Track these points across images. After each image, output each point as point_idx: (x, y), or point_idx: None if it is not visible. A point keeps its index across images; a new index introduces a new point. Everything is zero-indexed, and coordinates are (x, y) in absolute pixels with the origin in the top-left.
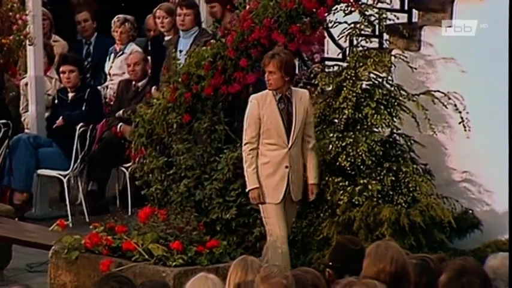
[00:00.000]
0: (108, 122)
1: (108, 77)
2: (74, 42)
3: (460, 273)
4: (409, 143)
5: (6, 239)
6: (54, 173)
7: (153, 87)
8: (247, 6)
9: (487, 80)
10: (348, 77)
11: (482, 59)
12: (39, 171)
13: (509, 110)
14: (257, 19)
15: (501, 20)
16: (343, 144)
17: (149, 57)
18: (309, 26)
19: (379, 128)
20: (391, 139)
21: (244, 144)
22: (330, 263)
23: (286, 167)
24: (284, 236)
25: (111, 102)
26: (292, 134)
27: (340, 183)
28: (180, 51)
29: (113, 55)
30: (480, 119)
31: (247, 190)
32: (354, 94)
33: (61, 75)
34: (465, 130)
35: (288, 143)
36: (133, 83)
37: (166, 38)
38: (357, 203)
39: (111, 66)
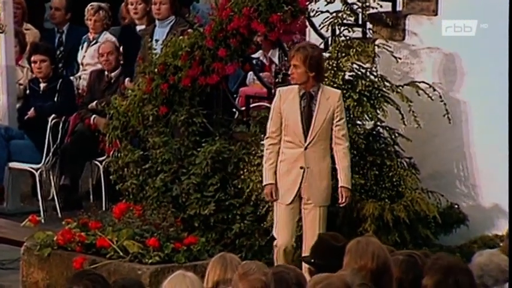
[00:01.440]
0: (80, 114)
1: (81, 66)
2: (45, 31)
3: (446, 274)
4: (393, 136)
5: None
6: (26, 166)
7: (127, 79)
8: None
9: (471, 69)
10: (330, 67)
11: (466, 48)
12: (11, 165)
13: (509, 109)
14: (236, 8)
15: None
16: None
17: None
18: (289, 15)
19: (362, 121)
20: (374, 132)
21: (266, 138)
22: (312, 260)
23: (301, 167)
24: (285, 244)
25: (84, 94)
26: (310, 133)
27: None
28: (156, 40)
29: (86, 44)
30: (466, 111)
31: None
32: (336, 85)
33: (32, 65)
34: (450, 123)
35: (305, 142)
36: (106, 73)
37: (138, 28)
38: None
39: (84, 56)
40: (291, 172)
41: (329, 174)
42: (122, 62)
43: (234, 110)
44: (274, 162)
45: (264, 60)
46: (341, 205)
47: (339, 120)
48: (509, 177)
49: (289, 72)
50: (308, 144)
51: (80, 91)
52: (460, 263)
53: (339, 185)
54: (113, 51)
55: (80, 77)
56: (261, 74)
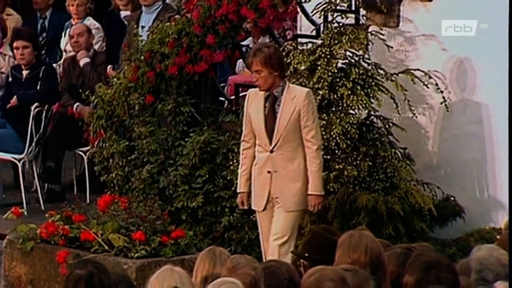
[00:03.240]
0: (61, 103)
1: (64, 53)
2: (28, 16)
3: (427, 270)
4: (387, 126)
5: None
6: (8, 156)
7: (109, 66)
8: None
9: (470, 58)
10: (323, 55)
11: (465, 37)
12: None
13: (509, 109)
14: None
15: None
16: None
17: (93, 31)
18: (280, 0)
19: (356, 110)
20: (368, 121)
21: (241, 142)
22: (306, 254)
23: (269, 172)
24: (266, 251)
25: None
26: (274, 136)
27: None
28: (142, 27)
29: (69, 30)
30: (463, 99)
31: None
32: (329, 73)
33: (15, 51)
34: (447, 111)
35: (270, 145)
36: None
37: (123, 13)
38: (331, 190)
39: (67, 43)
40: (261, 177)
41: (301, 176)
42: (95, 45)
43: (223, 99)
44: (247, 168)
45: None
46: (313, 212)
47: (306, 121)
48: (509, 174)
49: (256, 79)
50: (273, 148)
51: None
52: (442, 259)
53: (308, 193)
54: (83, 33)
55: (62, 65)
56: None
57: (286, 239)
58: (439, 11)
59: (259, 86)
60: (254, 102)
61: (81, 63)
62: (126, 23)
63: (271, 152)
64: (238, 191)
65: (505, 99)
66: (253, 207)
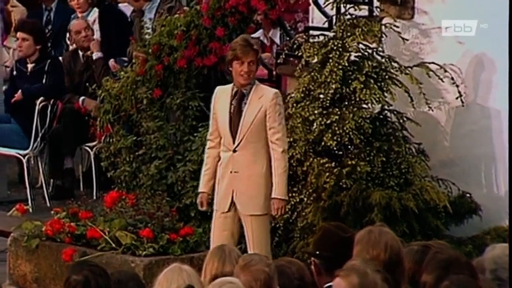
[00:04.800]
0: (64, 101)
1: (70, 47)
2: (33, 8)
3: (445, 268)
4: (401, 120)
5: None
6: (12, 152)
7: (111, 60)
8: None
9: (486, 51)
10: (335, 48)
11: (481, 28)
12: None
13: (509, 109)
14: None
15: None
16: (328, 121)
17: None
18: None
19: (369, 104)
20: (381, 116)
21: (207, 141)
22: (317, 252)
23: (231, 172)
24: None
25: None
26: (238, 135)
27: (326, 165)
28: (150, 19)
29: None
30: (480, 93)
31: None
32: (341, 67)
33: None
34: (463, 106)
35: (233, 144)
36: (81, 53)
37: (120, 6)
38: (344, 186)
39: None
40: (224, 177)
41: (263, 179)
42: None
43: None
44: (210, 168)
45: (265, 41)
46: (275, 217)
47: (272, 122)
48: (509, 173)
49: (244, 71)
50: (236, 147)
51: None
52: (460, 257)
53: (271, 196)
54: (88, 28)
55: (62, 61)
56: (261, 54)
57: (263, 246)
58: (455, 2)
59: (247, 79)
60: (221, 99)
61: (94, 56)
62: (125, 15)
63: (234, 151)
64: (199, 190)
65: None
66: (215, 208)
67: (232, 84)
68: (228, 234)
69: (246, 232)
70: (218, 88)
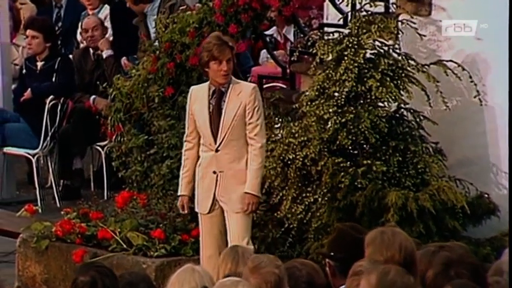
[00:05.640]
0: (74, 100)
1: (80, 44)
2: (42, 5)
3: (447, 266)
4: (418, 119)
5: None
6: (21, 151)
7: (123, 58)
8: None
9: (505, 48)
10: (350, 45)
11: (500, 25)
12: (5, 150)
13: (509, 109)
14: None
15: None
16: (343, 120)
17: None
18: None
19: (385, 102)
20: (397, 115)
21: (184, 142)
22: (332, 254)
23: (214, 172)
24: (208, 256)
25: None
26: (219, 134)
27: (341, 164)
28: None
29: (81, 22)
30: (497, 92)
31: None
32: (356, 64)
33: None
34: (481, 105)
35: (215, 144)
36: (92, 51)
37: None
38: (359, 186)
39: None
40: (205, 178)
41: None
42: (111, 39)
43: None
44: (189, 170)
45: (278, 38)
46: (246, 213)
47: (251, 118)
48: (509, 173)
49: (224, 70)
50: (218, 146)
51: None
52: (466, 257)
53: (243, 191)
54: (98, 27)
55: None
56: (274, 52)
57: (245, 243)
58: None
59: (226, 78)
60: (198, 99)
61: (104, 55)
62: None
63: (216, 151)
64: (178, 193)
65: None
66: (196, 210)
67: (208, 83)
68: (217, 233)
69: (229, 230)
70: (193, 88)
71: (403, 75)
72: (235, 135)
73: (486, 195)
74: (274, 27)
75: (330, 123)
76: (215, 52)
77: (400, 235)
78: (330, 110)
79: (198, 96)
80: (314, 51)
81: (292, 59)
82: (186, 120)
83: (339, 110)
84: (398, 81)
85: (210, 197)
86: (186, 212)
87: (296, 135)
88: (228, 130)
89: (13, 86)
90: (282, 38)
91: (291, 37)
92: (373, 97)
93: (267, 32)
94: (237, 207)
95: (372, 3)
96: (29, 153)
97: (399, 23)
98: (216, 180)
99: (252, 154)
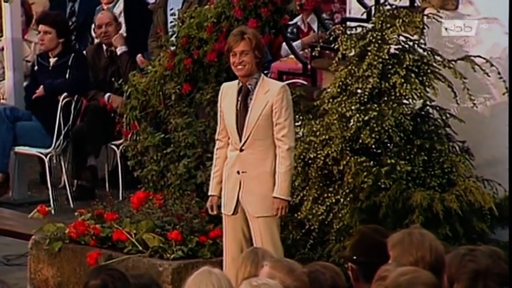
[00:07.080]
0: (88, 98)
1: (95, 40)
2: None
3: (474, 279)
4: (444, 117)
5: None
6: (33, 151)
7: (139, 55)
8: None
9: None
10: (373, 40)
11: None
12: (17, 149)
13: (509, 110)
14: None
15: None
16: (366, 118)
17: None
18: None
19: (409, 100)
20: (423, 112)
21: (216, 141)
22: (354, 257)
23: (238, 172)
24: (231, 258)
25: None
26: (244, 133)
27: (364, 164)
28: (172, 14)
29: (95, 18)
30: None
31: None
32: (380, 60)
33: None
34: (510, 102)
35: (240, 143)
36: (105, 47)
37: None
38: (383, 186)
39: None
40: (230, 178)
41: (272, 179)
42: (124, 34)
43: None
44: (220, 169)
45: (302, 26)
46: (276, 217)
47: (278, 118)
48: (509, 173)
49: (236, 62)
50: (243, 145)
51: None
52: (493, 267)
53: (272, 195)
54: (112, 22)
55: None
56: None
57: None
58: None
59: (241, 70)
60: (228, 96)
61: (118, 51)
62: (149, 7)
63: (241, 150)
64: (209, 194)
65: None
66: (222, 211)
67: (238, 79)
68: (241, 236)
69: (253, 235)
70: (224, 85)
71: (428, 71)
72: (261, 135)
73: None
74: (300, 16)
75: (352, 121)
76: (231, 42)
77: (428, 235)
78: (353, 108)
79: (227, 93)
80: (336, 46)
81: (313, 54)
82: (218, 119)
83: (362, 108)
84: (424, 78)
85: (234, 198)
86: (215, 212)
87: (317, 133)
88: (253, 129)
89: (25, 83)
90: (306, 27)
91: (314, 27)
92: (398, 94)
93: (291, 22)
94: (257, 211)
95: None
96: (41, 153)
97: (425, 17)
98: (240, 181)
99: (279, 157)
